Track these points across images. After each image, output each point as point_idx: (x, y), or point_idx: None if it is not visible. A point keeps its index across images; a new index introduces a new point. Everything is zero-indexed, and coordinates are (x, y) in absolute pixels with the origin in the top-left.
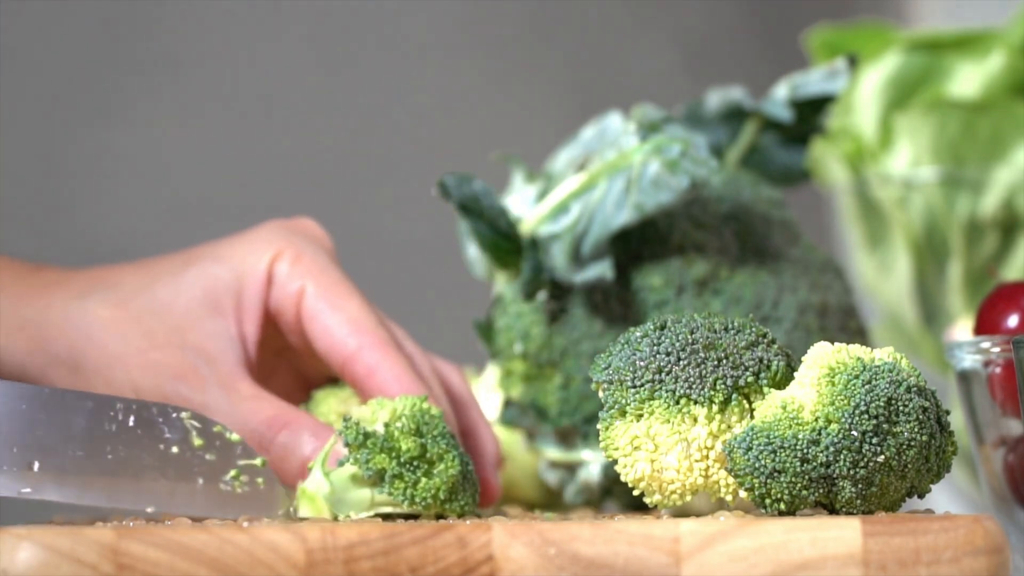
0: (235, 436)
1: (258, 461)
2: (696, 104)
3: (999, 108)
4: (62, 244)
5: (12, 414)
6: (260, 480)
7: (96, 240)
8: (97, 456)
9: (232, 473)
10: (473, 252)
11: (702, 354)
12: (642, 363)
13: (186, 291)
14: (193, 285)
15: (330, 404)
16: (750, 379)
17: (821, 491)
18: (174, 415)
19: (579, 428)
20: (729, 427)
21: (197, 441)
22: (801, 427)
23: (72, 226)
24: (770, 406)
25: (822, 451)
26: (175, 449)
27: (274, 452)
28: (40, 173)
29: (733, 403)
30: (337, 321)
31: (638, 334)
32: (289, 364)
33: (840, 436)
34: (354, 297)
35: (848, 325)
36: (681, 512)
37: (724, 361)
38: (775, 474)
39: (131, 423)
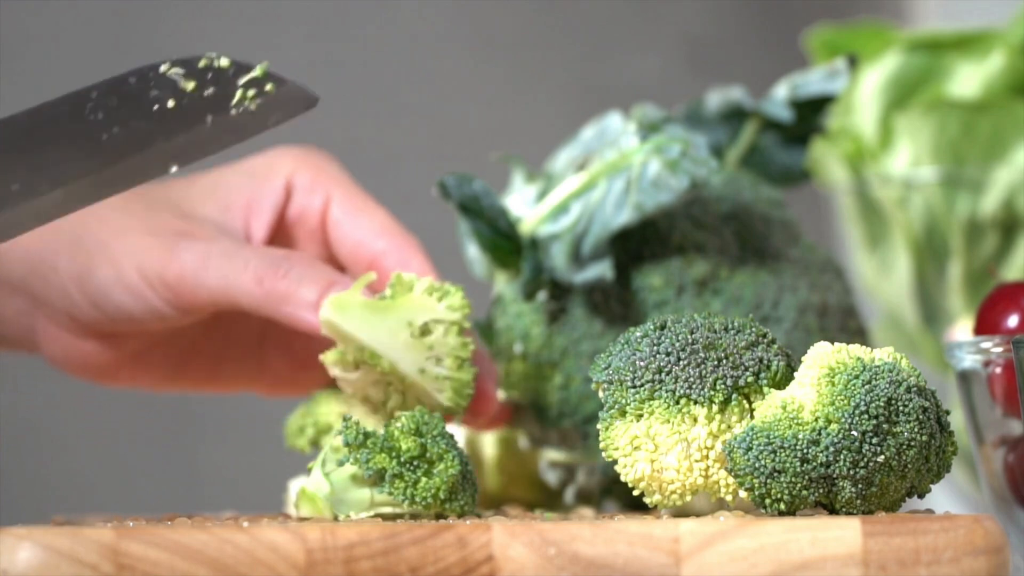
0: (224, 60)
1: (257, 70)
2: (696, 104)
3: (999, 108)
4: None
5: (4, 149)
6: (269, 87)
7: None
8: (97, 149)
9: (237, 96)
10: (473, 252)
11: (702, 354)
12: (642, 363)
13: (198, 190)
14: (205, 186)
15: (331, 405)
16: (750, 379)
17: (821, 491)
18: (152, 73)
19: (579, 428)
20: (729, 427)
21: (189, 85)
22: (801, 427)
23: None
24: (770, 406)
25: (822, 451)
26: (171, 103)
27: (288, 282)
28: None
29: (733, 403)
30: (365, 225)
31: (638, 334)
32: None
33: (840, 436)
34: (378, 207)
35: (848, 325)
36: (681, 512)
37: (724, 361)
38: (775, 474)
39: (115, 103)
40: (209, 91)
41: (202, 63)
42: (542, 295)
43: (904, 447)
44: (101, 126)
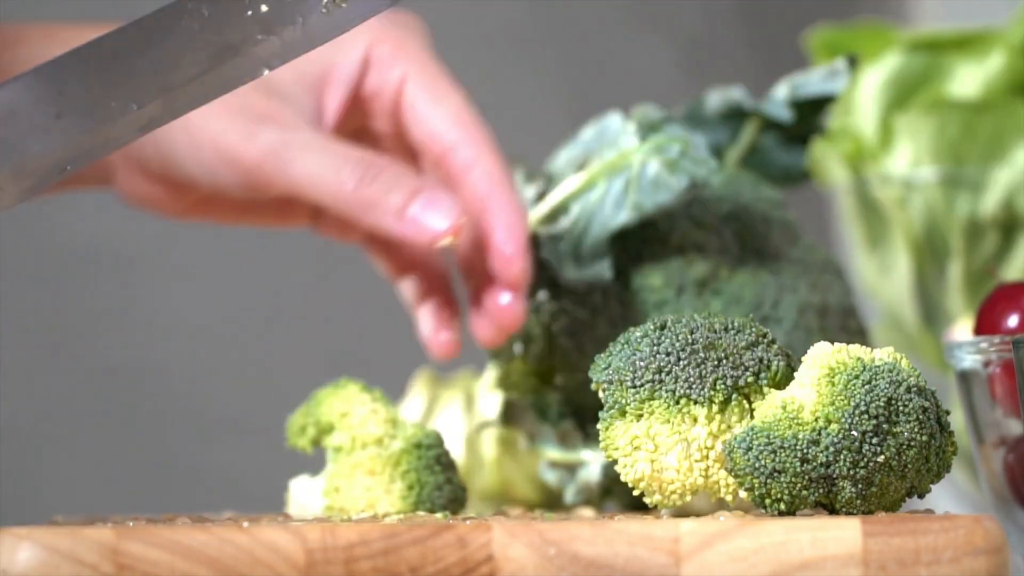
0: None
1: None
2: (696, 104)
3: (999, 108)
4: (62, 244)
5: (92, 70)
6: None
7: (97, 241)
8: (196, 57)
9: None
10: None
11: (702, 354)
12: (642, 363)
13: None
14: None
15: (331, 404)
16: (750, 379)
17: (821, 491)
18: None
19: (579, 428)
20: (729, 427)
21: None
22: (801, 427)
23: (72, 226)
24: (770, 406)
25: (822, 451)
26: (264, 8)
27: (376, 188)
28: None
29: (733, 403)
30: (439, 113)
31: (638, 334)
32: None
33: (840, 436)
34: (456, 91)
35: (848, 325)
36: (681, 512)
37: (724, 361)
38: (775, 474)
39: (207, 13)
40: None
41: None
42: (542, 295)
43: (904, 447)
44: (196, 35)
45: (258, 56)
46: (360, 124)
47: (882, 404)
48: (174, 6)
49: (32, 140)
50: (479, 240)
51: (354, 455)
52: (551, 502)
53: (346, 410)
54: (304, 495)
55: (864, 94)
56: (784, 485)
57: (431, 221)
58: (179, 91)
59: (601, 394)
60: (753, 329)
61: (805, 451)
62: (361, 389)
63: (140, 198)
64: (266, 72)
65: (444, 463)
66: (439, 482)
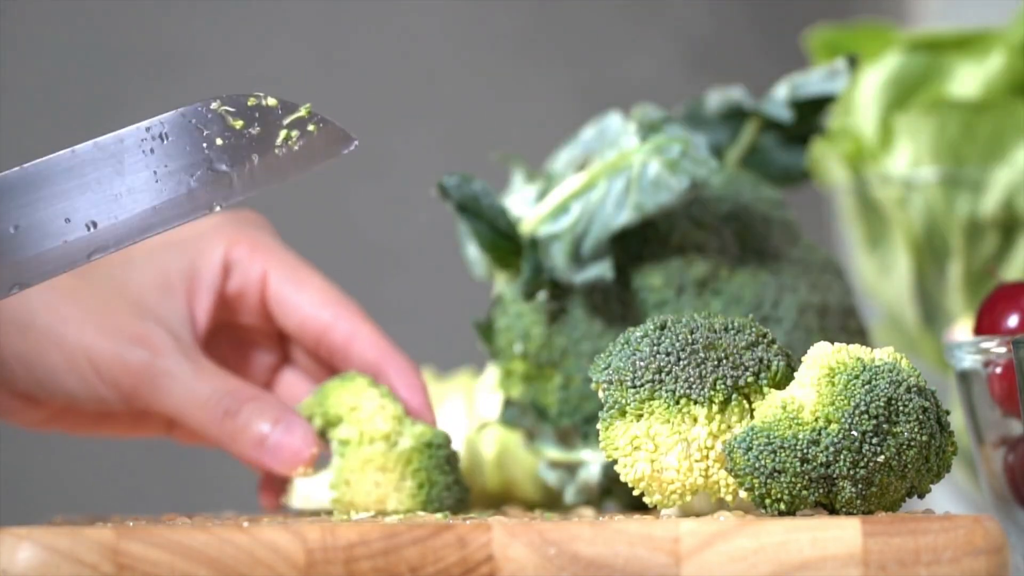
0: (271, 100)
1: (302, 110)
2: (696, 104)
3: (999, 108)
4: None
5: (51, 187)
6: (312, 128)
7: None
8: (147, 186)
9: (282, 136)
10: (473, 252)
11: (702, 354)
12: (642, 363)
13: (139, 272)
14: (145, 267)
15: (340, 396)
16: (750, 379)
17: (821, 491)
18: (204, 110)
19: (579, 428)
20: (729, 427)
21: (237, 123)
22: (801, 427)
23: None
24: (770, 406)
25: (822, 451)
26: (219, 141)
27: (238, 422)
28: None
29: (733, 403)
30: (307, 298)
31: (638, 334)
32: (231, 358)
33: (840, 436)
34: (315, 275)
35: (848, 325)
36: (681, 512)
37: (724, 361)
38: (775, 474)
39: (168, 139)
40: (256, 130)
41: (251, 101)
42: (542, 295)
43: (904, 447)
44: (152, 163)
45: (211, 192)
46: (228, 320)
47: (882, 404)
48: (134, 130)
49: None
50: None
51: (362, 450)
52: (551, 502)
53: (355, 404)
54: (308, 487)
55: (864, 94)
56: (784, 485)
57: (289, 447)
58: (133, 217)
59: (601, 394)
60: (753, 329)
61: (805, 451)
62: (369, 384)
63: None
64: (217, 209)
65: (453, 464)
66: (448, 482)
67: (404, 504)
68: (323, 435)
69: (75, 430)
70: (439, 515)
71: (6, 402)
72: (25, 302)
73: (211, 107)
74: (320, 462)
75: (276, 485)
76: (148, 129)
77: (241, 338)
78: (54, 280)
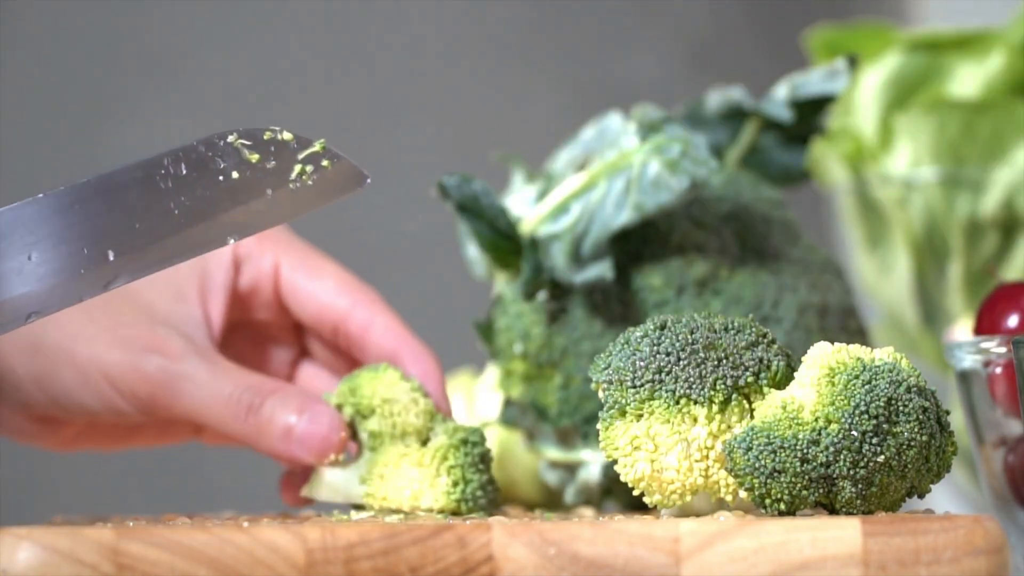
0: (287, 134)
1: (316, 146)
2: (696, 104)
3: (999, 108)
4: None
5: (68, 217)
6: (326, 163)
7: None
8: (165, 217)
9: (296, 170)
10: (473, 252)
11: (702, 354)
12: (642, 363)
13: (147, 280)
14: (155, 275)
15: (374, 388)
16: (750, 379)
17: (821, 491)
18: (221, 143)
19: (579, 428)
20: (729, 427)
21: (253, 157)
22: (801, 427)
23: None
24: (770, 406)
25: (822, 451)
26: (235, 174)
27: (262, 416)
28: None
29: (733, 403)
30: (322, 287)
31: (638, 334)
32: (249, 355)
33: (840, 436)
34: (329, 263)
35: (848, 325)
36: (681, 512)
37: (724, 361)
38: (775, 474)
39: (184, 171)
40: (271, 164)
41: (266, 135)
42: (542, 295)
43: (904, 447)
44: (168, 196)
45: (224, 224)
46: (243, 318)
47: (882, 404)
48: (152, 161)
49: (3, 279)
50: None
51: (396, 445)
52: (551, 502)
53: (388, 396)
54: (337, 479)
55: (864, 94)
56: (784, 485)
57: (317, 435)
58: (148, 248)
59: (601, 394)
60: (753, 329)
61: (805, 451)
62: (401, 377)
63: (22, 434)
64: (231, 242)
65: (487, 462)
66: (483, 481)
67: (439, 502)
68: (352, 426)
69: (102, 447)
70: (475, 515)
71: (26, 426)
72: (33, 325)
73: (228, 139)
74: (347, 455)
75: (298, 482)
76: (166, 159)
77: (257, 335)
78: None
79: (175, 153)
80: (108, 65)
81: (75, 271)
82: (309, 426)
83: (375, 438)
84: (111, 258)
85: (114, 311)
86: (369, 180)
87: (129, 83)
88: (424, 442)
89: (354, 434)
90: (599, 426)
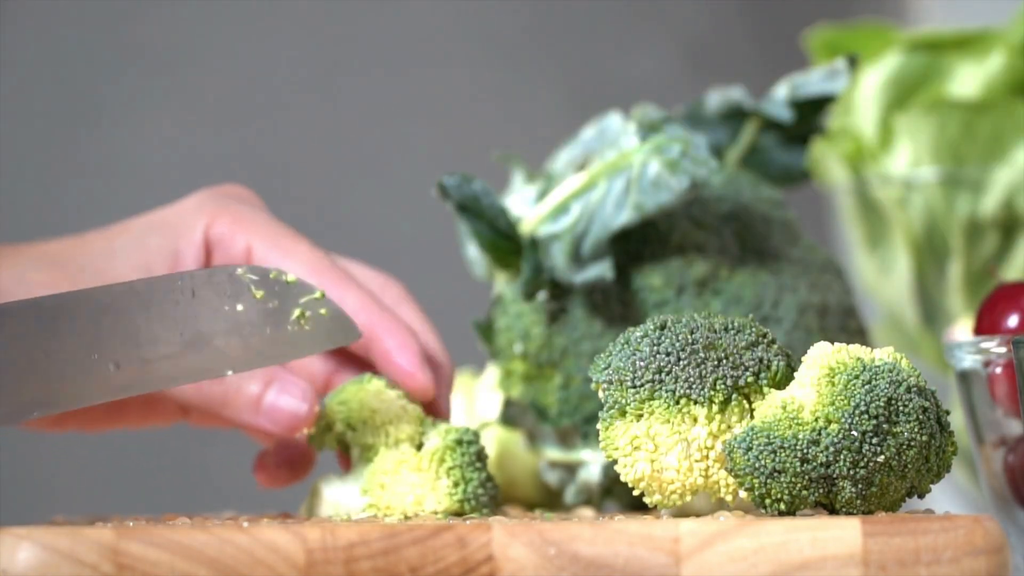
0: (291, 277)
1: (317, 293)
2: (696, 104)
3: (999, 108)
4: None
5: (79, 321)
6: (323, 311)
7: None
8: (170, 338)
9: (296, 313)
10: (473, 252)
11: (702, 354)
12: (642, 363)
13: (120, 258)
14: (126, 253)
15: (360, 401)
16: (750, 379)
17: (821, 491)
18: (230, 273)
19: (579, 428)
20: (729, 427)
21: (258, 293)
22: (801, 427)
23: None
24: (770, 406)
25: (822, 451)
26: (240, 307)
27: (228, 385)
28: (32, 175)
29: (733, 403)
30: (292, 265)
31: (638, 334)
32: None
33: (840, 436)
34: (300, 242)
35: (848, 325)
36: (681, 512)
37: (724, 361)
38: (775, 474)
39: (193, 295)
40: (273, 303)
41: (272, 274)
42: (542, 295)
43: (904, 447)
44: (177, 317)
45: (223, 354)
46: None
47: (882, 404)
48: (166, 279)
49: (14, 372)
50: (383, 368)
51: (391, 452)
52: (551, 502)
53: (377, 407)
54: (337, 495)
55: (864, 94)
56: (784, 485)
57: (286, 406)
58: (153, 365)
59: (601, 394)
60: (753, 329)
61: (805, 451)
62: (387, 385)
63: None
64: (229, 374)
65: (483, 460)
66: (482, 479)
67: (443, 504)
68: (344, 441)
69: (89, 428)
70: (476, 514)
71: None
72: (3, 299)
73: (236, 272)
74: (341, 468)
75: (273, 461)
76: (179, 281)
77: None
78: (32, 275)
79: (187, 276)
80: (108, 65)
81: (84, 373)
82: (277, 397)
83: (369, 449)
84: (118, 368)
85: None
86: (361, 336)
87: (129, 83)
88: (419, 447)
89: (346, 448)
90: (599, 426)
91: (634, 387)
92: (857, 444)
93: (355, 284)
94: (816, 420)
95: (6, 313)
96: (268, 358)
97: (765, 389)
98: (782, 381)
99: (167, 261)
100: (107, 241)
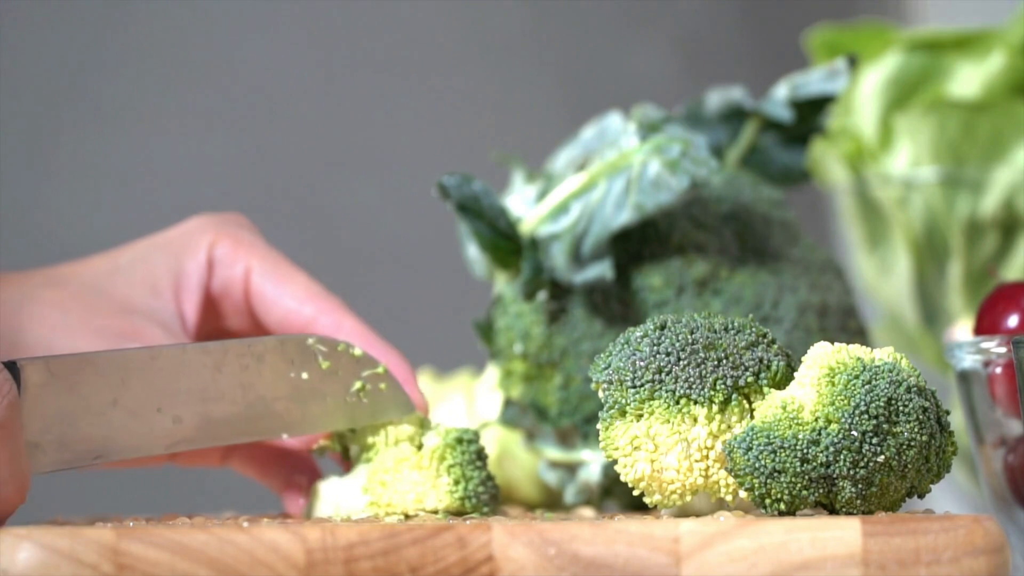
0: (358, 351)
1: (380, 368)
2: (696, 104)
3: (999, 108)
4: (52, 246)
5: (147, 374)
6: (383, 386)
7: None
8: (235, 398)
9: (357, 385)
10: (473, 252)
11: (702, 354)
12: (642, 363)
13: (124, 275)
14: (131, 270)
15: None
16: (750, 379)
17: (821, 491)
18: (300, 342)
19: (579, 428)
20: (729, 427)
21: (324, 364)
22: (801, 427)
23: (62, 229)
24: (770, 406)
25: (822, 451)
26: (305, 375)
27: None
28: (29, 176)
29: (733, 403)
30: (289, 293)
31: (638, 334)
32: None
33: (840, 436)
34: (299, 271)
35: (848, 325)
36: (681, 512)
37: (724, 361)
38: (775, 474)
39: (261, 360)
40: (338, 374)
41: (340, 347)
42: (542, 295)
43: (904, 447)
44: (242, 378)
45: (281, 418)
46: (216, 325)
47: (882, 404)
48: (240, 343)
49: (86, 419)
50: None
51: (391, 451)
52: (551, 502)
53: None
54: (337, 494)
55: (864, 94)
56: (784, 485)
57: None
58: (213, 422)
59: (601, 394)
60: (753, 329)
61: (805, 451)
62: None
63: None
64: (285, 437)
65: (483, 459)
66: (482, 477)
67: (443, 502)
68: (343, 442)
69: (135, 466)
70: (476, 514)
71: None
72: (11, 317)
73: (307, 342)
74: (339, 468)
75: (300, 493)
76: (249, 346)
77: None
78: (38, 292)
79: (258, 342)
80: (108, 65)
81: (146, 425)
82: None
83: (369, 449)
84: (180, 422)
85: (91, 304)
86: (416, 413)
87: (122, 84)
88: (418, 446)
89: (346, 450)
90: (599, 426)
91: (634, 387)
92: (857, 444)
93: (349, 311)
94: (816, 420)
95: (88, 362)
96: (323, 425)
97: (765, 389)
98: (782, 381)
99: (172, 279)
100: (112, 260)
